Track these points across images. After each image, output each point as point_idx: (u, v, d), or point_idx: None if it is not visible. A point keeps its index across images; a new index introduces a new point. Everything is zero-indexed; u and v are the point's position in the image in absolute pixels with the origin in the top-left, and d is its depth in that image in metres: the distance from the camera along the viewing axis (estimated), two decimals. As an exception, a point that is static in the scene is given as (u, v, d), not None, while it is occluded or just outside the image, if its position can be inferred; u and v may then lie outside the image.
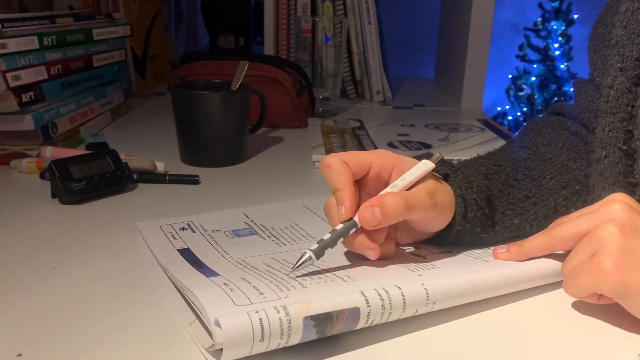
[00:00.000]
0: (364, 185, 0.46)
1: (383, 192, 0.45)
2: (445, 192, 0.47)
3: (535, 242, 0.46)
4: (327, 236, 0.43)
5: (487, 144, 0.84)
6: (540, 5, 2.67)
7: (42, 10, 1.05)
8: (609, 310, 0.42)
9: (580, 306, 0.43)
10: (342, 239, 0.43)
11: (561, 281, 0.46)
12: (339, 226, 0.43)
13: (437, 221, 0.46)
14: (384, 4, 1.23)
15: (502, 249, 0.47)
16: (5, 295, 0.42)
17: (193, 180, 0.67)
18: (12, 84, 0.69)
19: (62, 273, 0.46)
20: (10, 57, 0.69)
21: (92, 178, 0.61)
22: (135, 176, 0.65)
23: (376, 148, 0.79)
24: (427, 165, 0.46)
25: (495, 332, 0.40)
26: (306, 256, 0.42)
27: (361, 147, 0.80)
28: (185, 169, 0.72)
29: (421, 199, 0.44)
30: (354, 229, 0.43)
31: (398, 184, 0.45)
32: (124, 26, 0.99)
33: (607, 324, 0.41)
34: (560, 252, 0.46)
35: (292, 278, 0.41)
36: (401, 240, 0.49)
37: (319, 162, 0.75)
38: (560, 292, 0.45)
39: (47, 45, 0.76)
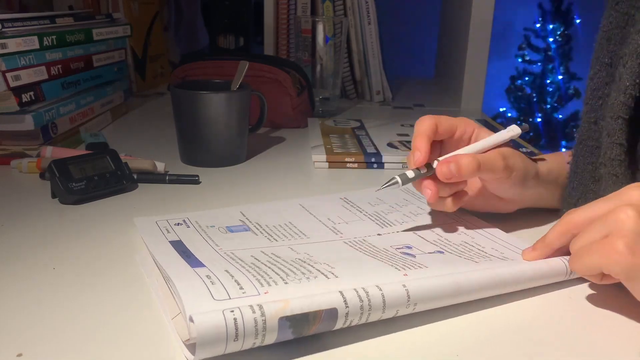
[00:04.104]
0: (447, 146, 0.55)
1: (468, 147, 0.53)
2: (519, 159, 0.53)
3: (554, 231, 0.46)
4: (413, 170, 0.51)
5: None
6: (540, 6, 2.67)
7: (42, 10, 1.05)
8: (610, 310, 0.42)
9: (580, 305, 0.43)
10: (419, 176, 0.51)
11: (554, 283, 0.46)
12: (415, 171, 0.51)
13: (508, 186, 0.53)
14: (384, 4, 1.23)
15: (529, 249, 0.48)
16: (5, 295, 0.42)
17: (193, 180, 0.67)
18: (12, 84, 0.69)
19: (62, 273, 0.46)
20: (10, 57, 0.69)
21: (92, 178, 0.61)
22: (135, 176, 0.65)
23: (376, 148, 0.79)
24: (514, 130, 0.54)
25: (494, 331, 0.40)
26: (393, 180, 0.50)
27: (361, 147, 0.80)
28: (185, 169, 0.72)
29: (493, 160, 0.51)
30: (425, 173, 0.51)
31: (484, 142, 0.53)
32: (124, 26, 0.99)
33: (608, 324, 0.41)
34: (555, 257, 0.46)
35: (274, 272, 0.41)
36: (478, 207, 0.57)
37: (319, 162, 0.76)
38: (559, 293, 0.45)
39: (47, 45, 0.76)
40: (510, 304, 0.44)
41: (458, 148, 0.54)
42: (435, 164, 0.51)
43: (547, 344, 0.39)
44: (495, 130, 0.92)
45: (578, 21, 2.66)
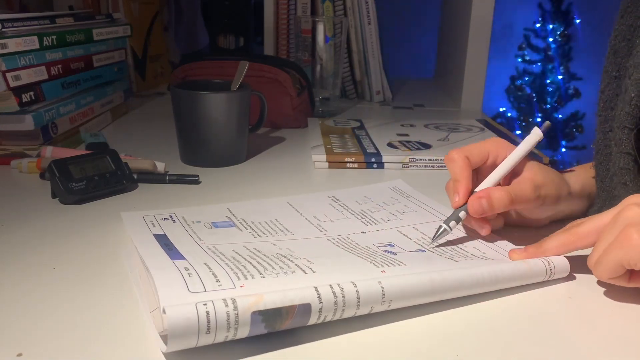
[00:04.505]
0: (482, 171, 0.53)
1: (499, 167, 0.52)
2: (552, 184, 0.52)
3: (555, 240, 0.46)
4: (454, 219, 0.50)
5: (487, 144, 0.83)
6: (540, 6, 2.67)
7: (42, 10, 1.05)
8: (611, 310, 0.42)
9: (581, 305, 0.43)
10: (459, 220, 0.50)
11: (554, 283, 0.46)
12: (456, 211, 0.51)
13: (540, 211, 0.53)
14: (384, 4, 1.23)
15: (519, 250, 0.48)
16: (5, 295, 0.42)
17: (193, 180, 0.67)
18: (12, 84, 0.69)
19: (62, 273, 0.46)
20: (11, 57, 0.69)
21: (92, 178, 0.61)
22: (135, 176, 0.65)
23: (376, 148, 0.79)
24: (537, 134, 0.53)
25: (492, 330, 0.40)
26: (442, 229, 0.49)
27: (361, 147, 0.80)
28: (185, 169, 0.72)
29: (526, 192, 0.50)
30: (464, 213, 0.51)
31: (513, 156, 0.52)
32: (124, 26, 0.99)
33: (609, 324, 0.41)
34: (546, 256, 0.47)
35: (253, 266, 0.42)
36: (511, 222, 0.55)
37: (319, 162, 0.76)
38: (559, 293, 0.45)
39: (47, 45, 0.76)
40: (508, 303, 0.44)
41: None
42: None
43: (547, 344, 0.39)
44: (497, 131, 0.92)
45: (578, 21, 2.66)
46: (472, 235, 0.53)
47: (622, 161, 0.49)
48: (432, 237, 0.50)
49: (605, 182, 0.54)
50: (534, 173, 0.52)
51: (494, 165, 0.53)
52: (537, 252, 0.47)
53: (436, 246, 0.50)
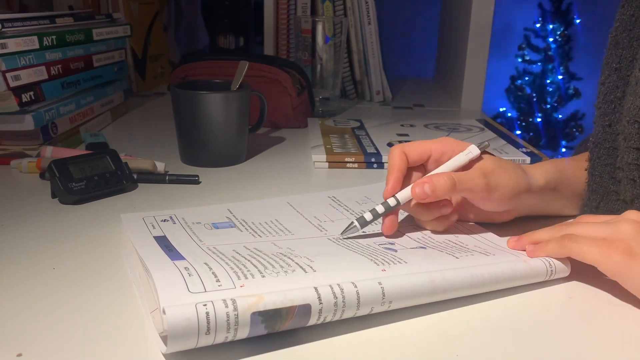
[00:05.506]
0: (427, 169, 0.54)
1: (432, 172, 0.51)
2: (505, 175, 0.51)
3: (550, 240, 0.47)
4: (370, 211, 0.50)
5: (487, 144, 0.83)
6: (540, 6, 2.67)
7: (42, 10, 1.05)
8: (610, 310, 0.42)
9: (580, 306, 0.43)
10: (383, 213, 0.50)
11: (553, 284, 0.46)
12: (381, 204, 0.50)
13: (496, 203, 0.52)
14: (384, 4, 1.23)
15: (514, 238, 0.49)
16: (5, 295, 0.42)
17: (193, 180, 0.67)
18: (12, 84, 0.69)
19: (62, 273, 0.46)
20: (10, 57, 0.69)
21: (92, 178, 0.61)
22: (135, 176, 0.65)
23: (376, 148, 0.79)
24: (473, 151, 0.52)
25: (491, 330, 0.40)
26: (352, 225, 0.50)
27: (361, 147, 0.80)
28: (185, 169, 0.72)
29: (472, 179, 0.50)
30: (395, 206, 0.50)
31: (443, 167, 0.52)
32: (124, 26, 0.99)
33: (608, 325, 0.41)
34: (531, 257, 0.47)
35: (253, 265, 0.42)
36: (471, 218, 0.55)
37: (319, 162, 0.76)
38: (559, 293, 0.45)
39: (47, 45, 0.76)
40: (508, 303, 0.44)
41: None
42: (398, 197, 0.51)
43: (547, 344, 0.39)
44: (497, 131, 0.92)
45: (578, 21, 2.65)
46: (471, 234, 0.53)
47: (631, 156, 0.48)
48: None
49: (604, 177, 0.53)
50: (485, 162, 0.52)
51: (438, 162, 0.53)
52: (530, 247, 0.47)
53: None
